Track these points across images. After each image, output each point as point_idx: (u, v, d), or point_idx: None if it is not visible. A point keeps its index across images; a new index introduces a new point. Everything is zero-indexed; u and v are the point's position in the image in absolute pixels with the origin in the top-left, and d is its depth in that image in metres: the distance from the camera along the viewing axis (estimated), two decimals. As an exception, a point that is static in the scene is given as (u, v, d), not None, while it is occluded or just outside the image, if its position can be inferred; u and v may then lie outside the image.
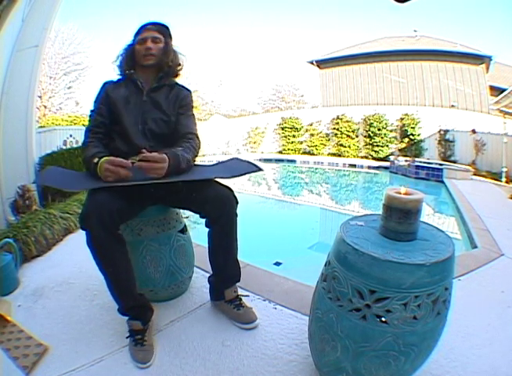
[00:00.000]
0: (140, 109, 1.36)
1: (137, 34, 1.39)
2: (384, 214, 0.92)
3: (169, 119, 1.39)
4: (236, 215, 1.31)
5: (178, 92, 1.44)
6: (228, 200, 1.27)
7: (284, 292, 1.62)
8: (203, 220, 1.33)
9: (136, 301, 1.24)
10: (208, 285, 1.48)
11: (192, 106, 1.49)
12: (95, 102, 1.38)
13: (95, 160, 1.15)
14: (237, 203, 1.30)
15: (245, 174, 1.31)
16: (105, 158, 1.14)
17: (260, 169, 1.35)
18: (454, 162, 7.81)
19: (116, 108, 1.34)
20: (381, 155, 9.27)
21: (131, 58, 1.39)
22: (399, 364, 0.86)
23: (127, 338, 1.24)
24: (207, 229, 1.33)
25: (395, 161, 7.63)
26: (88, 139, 1.32)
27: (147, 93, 1.38)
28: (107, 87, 1.39)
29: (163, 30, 1.41)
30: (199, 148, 1.37)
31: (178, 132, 1.38)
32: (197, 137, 1.39)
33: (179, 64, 1.46)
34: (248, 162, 1.42)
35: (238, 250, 1.38)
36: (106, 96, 1.36)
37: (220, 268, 1.39)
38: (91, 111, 1.38)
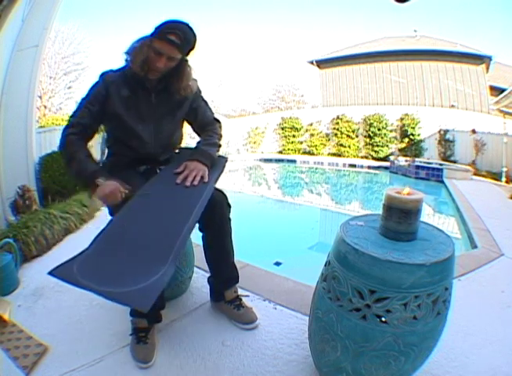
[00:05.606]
0: (153, 112, 1.26)
1: (159, 31, 1.12)
2: (383, 214, 0.92)
3: (179, 119, 1.36)
4: (229, 219, 1.29)
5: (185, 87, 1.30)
6: (219, 205, 1.25)
7: (284, 292, 1.62)
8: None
9: None
10: (208, 285, 1.48)
11: (201, 93, 1.40)
12: (89, 94, 1.20)
13: (100, 180, 1.09)
14: (229, 207, 1.28)
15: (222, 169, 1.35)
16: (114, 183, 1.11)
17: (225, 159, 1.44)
18: (454, 162, 7.81)
19: (120, 113, 1.20)
20: (381, 155, 9.25)
21: (142, 58, 1.15)
22: (399, 364, 0.86)
23: (130, 335, 1.23)
24: (201, 234, 1.33)
25: (395, 161, 7.62)
26: (74, 135, 1.16)
27: (156, 94, 1.26)
28: (107, 82, 1.20)
29: (184, 47, 1.16)
30: (221, 130, 1.44)
31: (201, 125, 1.40)
32: (218, 121, 1.44)
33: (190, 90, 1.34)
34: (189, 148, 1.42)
35: (234, 253, 1.37)
36: (106, 95, 1.19)
37: (216, 271, 1.39)
38: (83, 99, 1.20)
